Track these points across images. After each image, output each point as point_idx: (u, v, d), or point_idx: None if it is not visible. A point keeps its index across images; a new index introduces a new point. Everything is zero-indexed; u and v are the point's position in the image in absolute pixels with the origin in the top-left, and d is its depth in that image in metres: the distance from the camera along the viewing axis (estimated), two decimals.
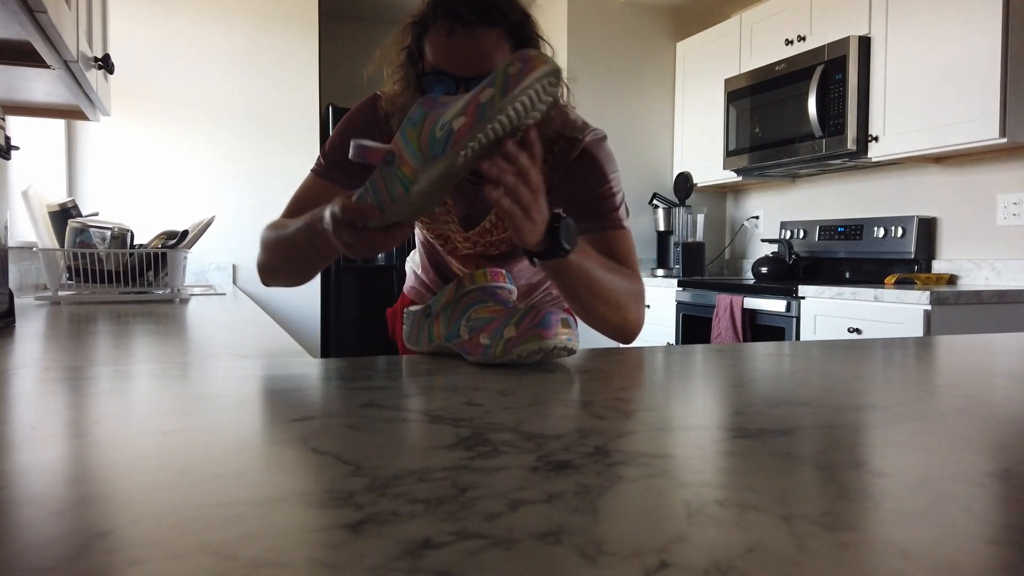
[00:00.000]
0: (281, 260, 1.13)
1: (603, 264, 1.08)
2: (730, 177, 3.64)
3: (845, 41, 2.89)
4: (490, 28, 1.01)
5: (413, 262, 1.48)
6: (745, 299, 2.99)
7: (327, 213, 0.91)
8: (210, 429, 0.50)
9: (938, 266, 2.96)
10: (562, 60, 3.94)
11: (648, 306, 3.75)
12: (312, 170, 1.21)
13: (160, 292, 1.98)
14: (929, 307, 2.32)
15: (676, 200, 3.89)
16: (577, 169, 1.15)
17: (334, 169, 1.18)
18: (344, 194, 0.91)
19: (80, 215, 2.08)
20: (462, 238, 1.23)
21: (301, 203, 1.17)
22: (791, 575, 0.27)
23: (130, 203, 3.32)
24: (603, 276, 1.07)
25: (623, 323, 1.15)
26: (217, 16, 3.48)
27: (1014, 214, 2.69)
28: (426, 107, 0.85)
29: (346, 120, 1.20)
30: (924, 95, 2.68)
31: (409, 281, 1.49)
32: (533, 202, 0.88)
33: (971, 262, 2.83)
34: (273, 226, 1.15)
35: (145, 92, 3.37)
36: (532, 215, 0.88)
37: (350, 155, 0.84)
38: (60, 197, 2.52)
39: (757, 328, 2.96)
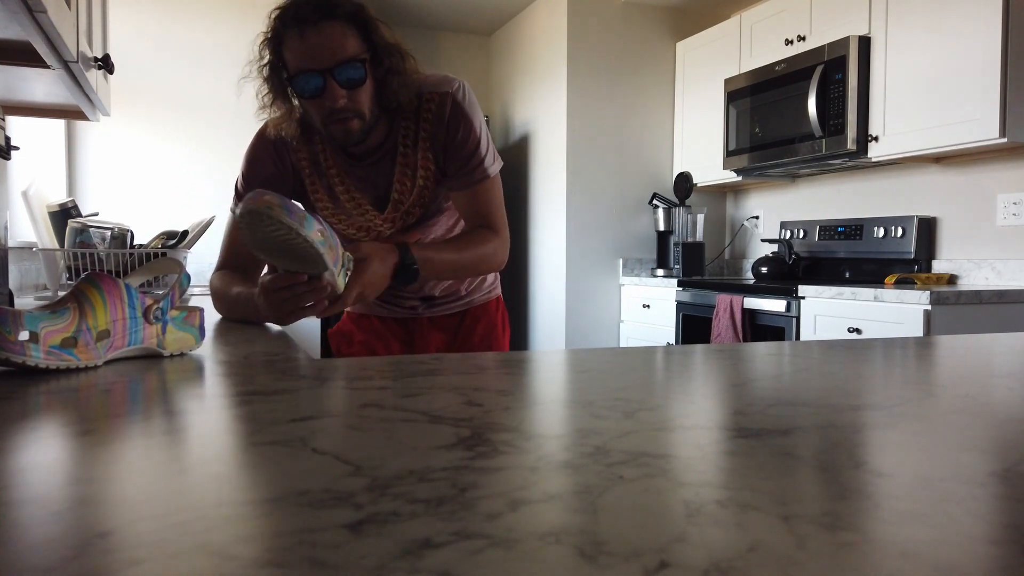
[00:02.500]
0: (227, 313, 1.29)
1: (459, 247, 1.28)
2: (730, 177, 3.64)
3: (845, 41, 2.90)
4: (333, 20, 1.16)
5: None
6: (745, 299, 2.99)
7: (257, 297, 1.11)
8: (210, 429, 0.50)
9: (938, 266, 2.96)
10: (562, 60, 3.95)
11: (647, 306, 3.76)
12: (232, 210, 1.37)
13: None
14: (929, 307, 2.32)
15: (676, 200, 3.89)
16: (450, 122, 1.29)
17: None
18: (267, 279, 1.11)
19: (80, 215, 2.08)
20: (381, 220, 1.35)
21: (235, 248, 1.36)
22: (791, 575, 0.27)
23: (130, 203, 3.32)
24: (463, 258, 1.27)
25: (489, 272, 1.38)
26: (218, 16, 3.48)
27: (1014, 214, 2.69)
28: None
29: (249, 160, 1.37)
30: (924, 95, 2.68)
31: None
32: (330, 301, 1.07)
33: (971, 262, 2.83)
34: (219, 280, 1.31)
35: (145, 92, 3.38)
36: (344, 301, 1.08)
37: None
38: (60, 197, 2.52)
39: (757, 328, 2.96)
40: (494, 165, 1.32)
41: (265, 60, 1.22)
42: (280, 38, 1.18)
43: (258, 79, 1.23)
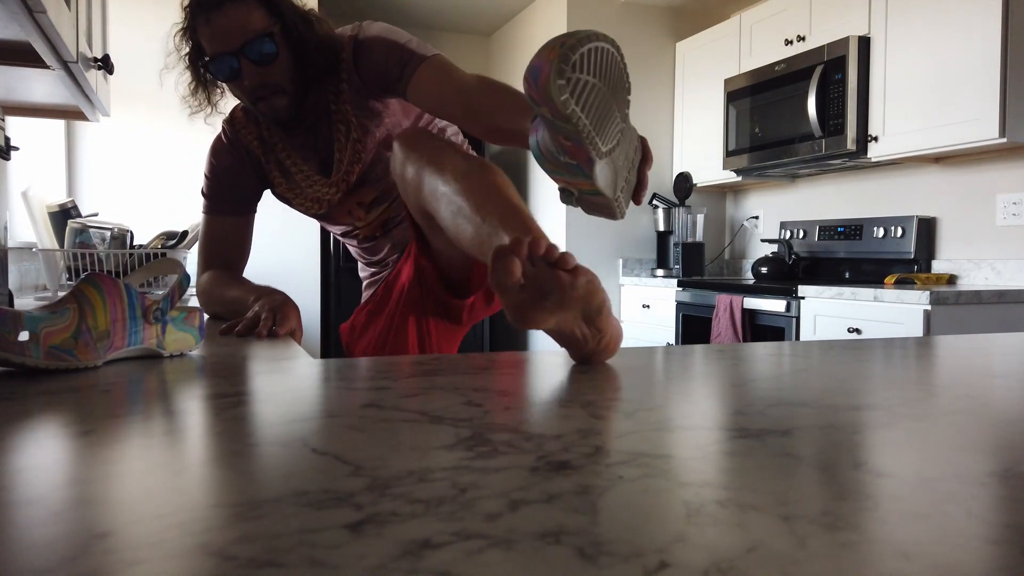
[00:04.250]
0: (216, 312, 1.28)
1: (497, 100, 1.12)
2: (730, 177, 3.64)
3: (845, 41, 2.90)
4: (236, 1, 1.17)
5: (364, 282, 1.59)
6: (745, 299, 2.99)
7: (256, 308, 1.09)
8: (210, 429, 0.50)
9: (938, 266, 2.96)
10: None
11: (647, 306, 3.76)
12: (204, 211, 1.39)
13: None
14: (929, 307, 2.32)
15: (676, 200, 3.89)
16: (362, 60, 1.26)
17: (221, 203, 1.37)
18: (267, 301, 1.10)
19: (80, 215, 2.08)
20: (327, 186, 1.34)
21: (214, 245, 1.37)
22: (791, 575, 0.27)
23: (130, 203, 3.32)
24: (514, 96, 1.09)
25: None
26: None
27: (1014, 214, 2.69)
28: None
29: (209, 158, 1.38)
30: (924, 95, 2.68)
31: (366, 292, 1.56)
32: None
33: (971, 262, 2.83)
34: (208, 281, 1.32)
35: (145, 92, 3.37)
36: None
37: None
38: (60, 197, 2.52)
39: (757, 328, 2.96)
40: (426, 50, 1.22)
41: (183, 52, 1.24)
42: (194, 29, 1.20)
43: (179, 68, 1.27)
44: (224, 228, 1.38)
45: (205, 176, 1.38)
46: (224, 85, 1.28)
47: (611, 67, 0.74)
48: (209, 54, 1.20)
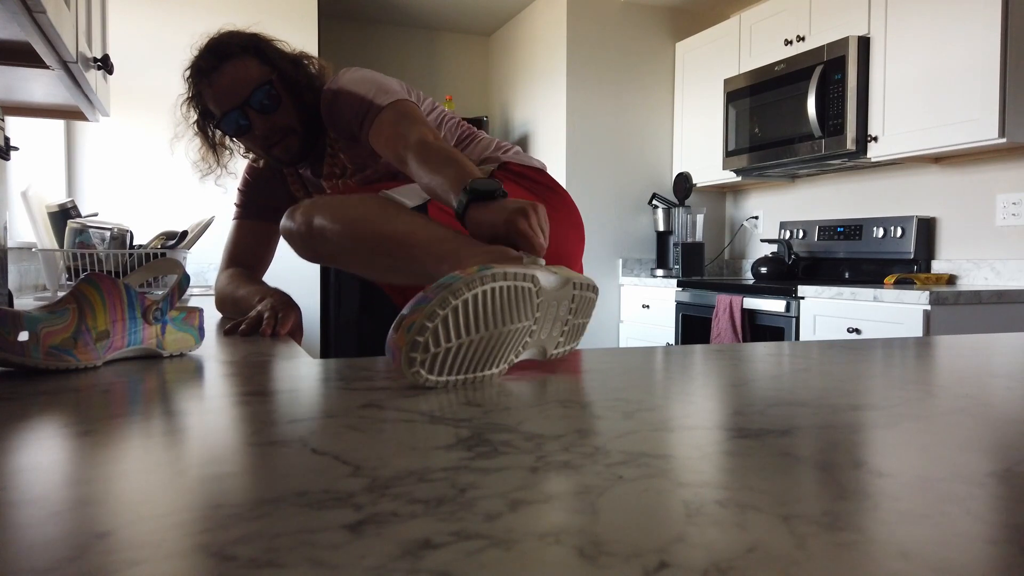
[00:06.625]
0: (232, 314, 1.33)
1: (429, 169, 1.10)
2: (729, 177, 3.64)
3: (844, 41, 2.90)
4: (231, 59, 1.27)
5: None
6: (745, 299, 2.99)
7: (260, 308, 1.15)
8: (209, 429, 0.50)
9: (937, 266, 2.96)
10: (562, 60, 3.94)
11: (647, 306, 3.76)
12: (233, 218, 1.49)
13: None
14: (928, 307, 2.32)
15: (675, 200, 3.89)
16: (332, 113, 1.30)
17: (251, 207, 1.47)
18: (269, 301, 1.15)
19: (79, 215, 2.08)
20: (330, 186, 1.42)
21: (237, 247, 1.45)
22: (791, 575, 0.27)
23: (129, 203, 3.32)
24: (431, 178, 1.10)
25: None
26: (216, 16, 3.47)
27: (1013, 214, 2.69)
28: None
29: (247, 171, 1.50)
30: (924, 95, 2.68)
31: None
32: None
33: (970, 262, 2.83)
34: (226, 279, 1.37)
35: (145, 92, 3.37)
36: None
37: None
38: (59, 197, 2.52)
39: (757, 328, 2.96)
40: (386, 96, 1.24)
41: (192, 119, 1.34)
42: (199, 93, 1.30)
43: (191, 135, 1.35)
44: (249, 232, 1.47)
45: (239, 190, 1.48)
46: (237, 144, 1.38)
47: (494, 302, 0.67)
48: (217, 115, 1.29)
